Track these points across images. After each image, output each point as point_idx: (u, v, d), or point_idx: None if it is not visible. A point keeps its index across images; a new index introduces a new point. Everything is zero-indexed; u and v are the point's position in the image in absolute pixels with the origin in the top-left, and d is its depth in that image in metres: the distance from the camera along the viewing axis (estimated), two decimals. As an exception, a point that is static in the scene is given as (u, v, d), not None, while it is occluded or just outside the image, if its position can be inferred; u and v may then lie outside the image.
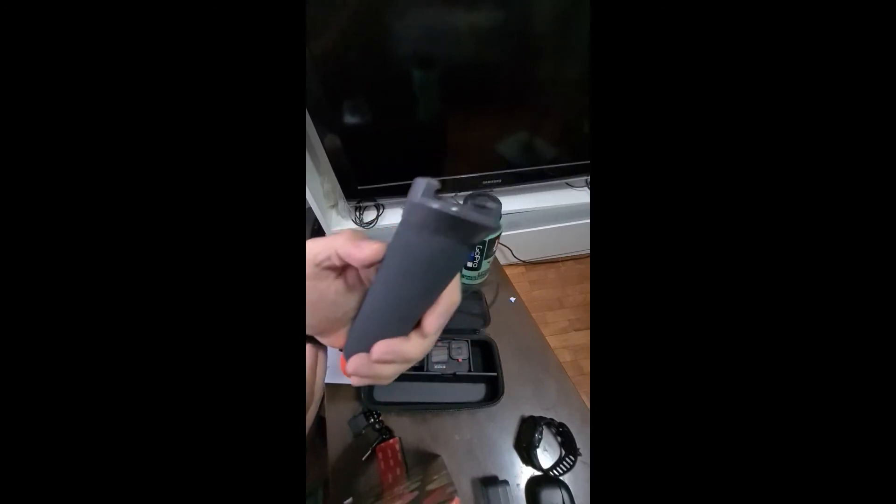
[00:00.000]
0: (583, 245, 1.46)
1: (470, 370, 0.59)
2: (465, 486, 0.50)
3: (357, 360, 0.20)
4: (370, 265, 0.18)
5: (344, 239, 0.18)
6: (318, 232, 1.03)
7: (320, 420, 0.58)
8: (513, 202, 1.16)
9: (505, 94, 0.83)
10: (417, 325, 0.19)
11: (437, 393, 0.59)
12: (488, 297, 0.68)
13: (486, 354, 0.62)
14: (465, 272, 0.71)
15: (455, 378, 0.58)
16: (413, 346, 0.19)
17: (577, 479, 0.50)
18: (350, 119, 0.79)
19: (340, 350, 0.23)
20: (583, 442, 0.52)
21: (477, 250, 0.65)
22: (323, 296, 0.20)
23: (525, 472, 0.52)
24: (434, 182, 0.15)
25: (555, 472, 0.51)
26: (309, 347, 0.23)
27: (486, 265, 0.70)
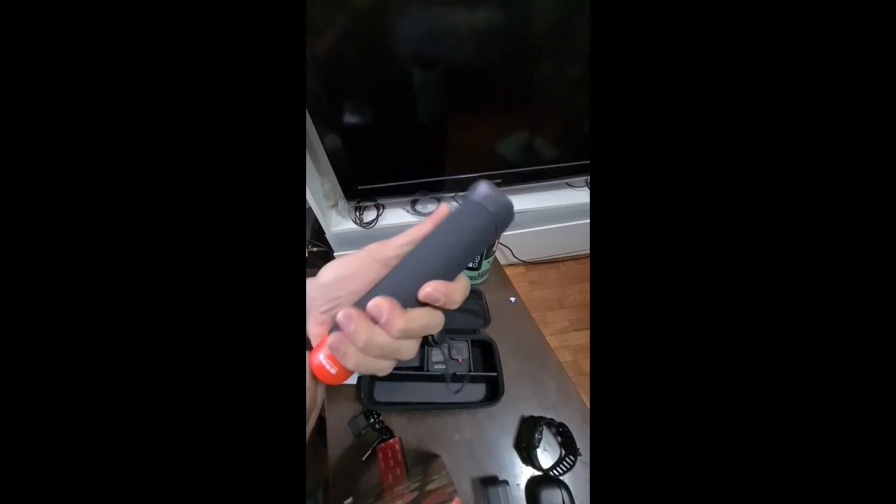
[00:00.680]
0: (583, 245, 1.46)
1: (470, 370, 0.59)
2: (465, 486, 0.50)
3: (390, 305, 0.19)
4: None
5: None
6: (319, 232, 1.03)
7: (320, 420, 0.58)
8: (513, 202, 1.16)
9: (505, 94, 0.83)
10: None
11: (438, 393, 0.59)
12: (488, 297, 0.68)
13: (486, 354, 0.62)
14: (465, 272, 0.71)
15: (455, 378, 0.58)
16: (459, 288, 0.21)
17: (577, 479, 0.50)
18: (350, 119, 0.79)
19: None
20: (583, 442, 0.52)
21: (477, 250, 0.65)
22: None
23: (525, 472, 0.52)
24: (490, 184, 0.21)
25: (555, 472, 0.51)
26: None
27: (486, 265, 0.70)
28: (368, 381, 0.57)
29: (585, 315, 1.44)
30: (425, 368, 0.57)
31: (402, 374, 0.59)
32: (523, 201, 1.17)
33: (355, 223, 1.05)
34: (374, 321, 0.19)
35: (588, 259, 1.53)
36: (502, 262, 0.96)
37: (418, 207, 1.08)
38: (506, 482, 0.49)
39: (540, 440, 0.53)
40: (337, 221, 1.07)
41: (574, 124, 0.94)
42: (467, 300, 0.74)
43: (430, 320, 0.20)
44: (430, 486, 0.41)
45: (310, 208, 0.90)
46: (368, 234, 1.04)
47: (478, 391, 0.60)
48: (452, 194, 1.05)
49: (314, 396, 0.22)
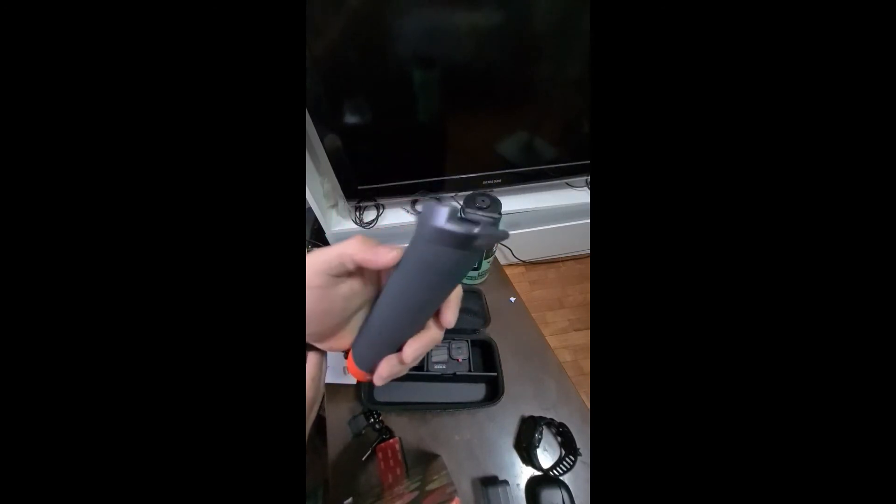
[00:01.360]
0: (583, 245, 1.46)
1: (470, 370, 0.59)
2: (465, 486, 0.50)
3: (389, 364, 0.21)
4: (388, 268, 0.19)
5: (357, 245, 0.19)
6: (319, 232, 1.03)
7: (320, 420, 0.58)
8: (513, 202, 1.16)
9: (505, 94, 0.83)
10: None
11: (437, 393, 0.59)
12: (488, 297, 0.68)
13: (486, 354, 0.62)
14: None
15: (455, 378, 0.58)
16: (436, 336, 0.21)
17: (577, 479, 0.50)
18: (350, 119, 0.79)
19: (341, 352, 0.23)
20: (583, 442, 0.52)
21: (477, 250, 0.65)
22: (332, 303, 0.20)
23: (525, 472, 0.52)
24: (447, 205, 0.16)
25: (555, 472, 0.51)
26: (312, 355, 0.23)
27: (486, 265, 0.70)
28: (368, 381, 0.57)
29: (585, 315, 1.44)
30: (425, 368, 0.57)
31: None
32: (523, 201, 1.17)
33: (355, 223, 1.05)
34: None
35: (588, 259, 1.53)
36: (502, 262, 0.96)
37: (418, 207, 1.08)
38: (506, 482, 0.49)
39: (540, 440, 0.52)
40: (337, 221, 1.07)
41: (574, 124, 0.94)
42: (467, 300, 0.74)
43: (428, 348, 0.22)
44: (430, 486, 0.41)
45: (310, 208, 0.90)
46: (368, 234, 1.04)
47: (478, 391, 0.60)
48: (452, 194, 1.05)
49: (315, 398, 0.22)
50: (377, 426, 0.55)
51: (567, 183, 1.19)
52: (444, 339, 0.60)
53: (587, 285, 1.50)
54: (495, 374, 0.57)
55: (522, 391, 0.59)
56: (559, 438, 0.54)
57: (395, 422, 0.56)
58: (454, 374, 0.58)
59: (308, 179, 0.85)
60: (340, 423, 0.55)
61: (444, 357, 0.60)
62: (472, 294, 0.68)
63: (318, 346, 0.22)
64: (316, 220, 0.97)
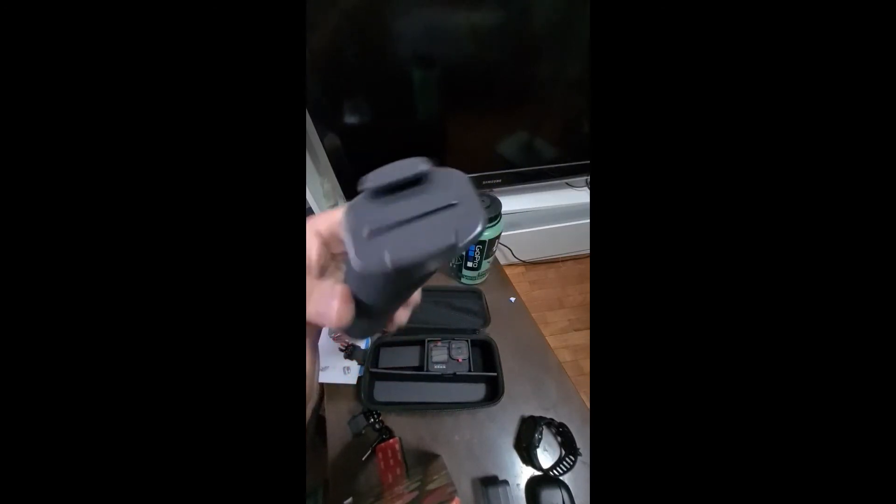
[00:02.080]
0: (583, 245, 1.46)
1: (470, 370, 0.59)
2: (465, 486, 0.50)
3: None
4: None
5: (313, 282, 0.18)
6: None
7: (320, 420, 0.58)
8: (513, 202, 1.16)
9: (505, 94, 0.83)
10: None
11: (437, 393, 0.59)
12: (488, 297, 0.68)
13: (486, 354, 0.62)
14: (464, 272, 0.71)
15: (455, 378, 0.58)
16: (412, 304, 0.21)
17: (577, 479, 0.50)
18: (350, 119, 0.79)
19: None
20: (583, 442, 0.52)
21: (477, 250, 0.65)
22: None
23: (525, 472, 0.52)
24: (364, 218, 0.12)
25: (555, 472, 0.51)
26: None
27: (486, 265, 0.70)
28: (368, 381, 0.57)
29: (585, 315, 1.44)
30: (425, 368, 0.57)
31: (402, 374, 0.59)
32: (523, 201, 1.17)
33: (355, 223, 1.05)
34: None
35: (588, 259, 1.53)
36: (502, 262, 0.96)
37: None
38: (506, 482, 0.49)
39: (540, 440, 0.52)
40: (337, 221, 1.07)
41: (574, 124, 0.94)
42: (467, 300, 0.73)
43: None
44: (430, 486, 0.41)
45: (310, 208, 0.90)
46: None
47: (478, 391, 0.60)
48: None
49: (309, 394, 0.22)
50: (377, 426, 0.55)
51: (567, 183, 1.19)
52: (445, 339, 0.61)
53: (587, 285, 1.50)
54: (495, 374, 0.57)
55: (522, 391, 0.59)
56: (559, 438, 0.54)
57: (395, 422, 0.56)
58: (454, 374, 0.58)
59: (308, 179, 0.85)
60: (340, 423, 0.55)
61: (444, 357, 0.60)
62: (472, 294, 0.68)
63: None
64: (316, 220, 0.97)
